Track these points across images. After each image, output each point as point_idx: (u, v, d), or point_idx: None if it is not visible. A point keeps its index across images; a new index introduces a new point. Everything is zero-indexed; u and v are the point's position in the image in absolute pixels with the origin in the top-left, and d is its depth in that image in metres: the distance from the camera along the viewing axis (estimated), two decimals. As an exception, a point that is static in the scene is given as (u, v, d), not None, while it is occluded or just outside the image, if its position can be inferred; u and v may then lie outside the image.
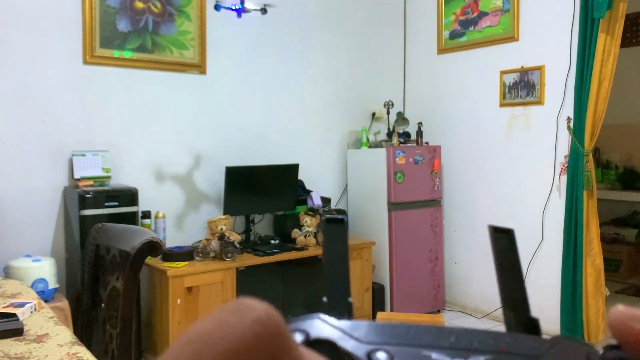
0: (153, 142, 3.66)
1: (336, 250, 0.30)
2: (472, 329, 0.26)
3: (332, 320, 0.26)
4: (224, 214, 3.68)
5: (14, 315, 1.63)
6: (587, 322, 3.62)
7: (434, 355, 0.25)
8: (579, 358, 0.24)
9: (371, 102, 4.78)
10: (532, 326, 0.29)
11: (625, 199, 5.33)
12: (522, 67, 4.03)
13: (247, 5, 3.22)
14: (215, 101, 3.93)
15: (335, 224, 0.31)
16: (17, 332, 1.53)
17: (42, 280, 2.88)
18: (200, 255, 3.43)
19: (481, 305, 4.36)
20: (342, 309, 0.28)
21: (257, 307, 0.22)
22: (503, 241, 0.31)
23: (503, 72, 4.16)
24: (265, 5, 3.23)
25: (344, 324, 0.26)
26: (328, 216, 0.31)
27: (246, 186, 3.83)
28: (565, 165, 3.77)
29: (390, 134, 4.46)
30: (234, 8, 3.23)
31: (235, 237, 3.53)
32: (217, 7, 3.34)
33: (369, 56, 4.77)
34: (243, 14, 3.31)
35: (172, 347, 0.21)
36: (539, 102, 3.94)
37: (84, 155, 3.30)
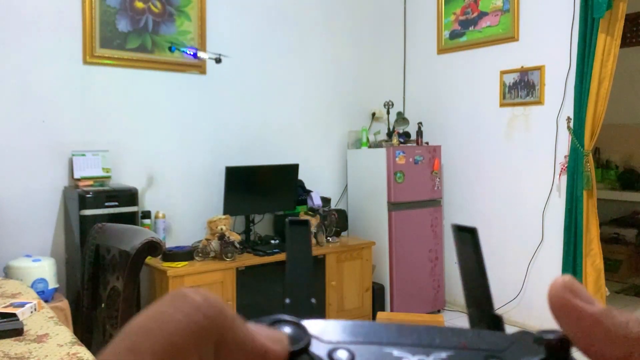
0: (153, 142, 3.66)
1: (298, 252, 0.30)
2: (435, 326, 0.26)
3: (293, 320, 0.26)
4: (224, 214, 3.68)
5: (14, 315, 1.63)
6: (587, 322, 3.62)
7: (395, 352, 0.24)
8: (538, 352, 0.24)
9: (371, 102, 4.78)
10: (495, 323, 0.29)
11: (625, 199, 5.33)
12: (522, 67, 4.03)
13: (200, 54, 3.29)
14: (215, 101, 3.92)
15: (297, 226, 0.31)
16: (17, 332, 1.53)
17: (42, 280, 2.88)
18: (200, 255, 3.43)
19: (481, 305, 4.36)
20: (304, 310, 0.28)
21: (193, 296, 0.22)
22: (467, 240, 0.31)
23: (503, 72, 4.15)
24: (220, 55, 3.27)
25: (305, 323, 0.26)
26: (291, 218, 0.32)
27: (246, 186, 3.82)
28: (565, 165, 3.77)
29: (390, 134, 4.46)
30: (189, 53, 3.29)
31: (235, 237, 3.53)
32: (171, 49, 3.39)
33: (369, 56, 4.77)
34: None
35: (111, 342, 0.21)
36: (539, 102, 3.94)
37: (84, 155, 3.30)
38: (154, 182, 3.67)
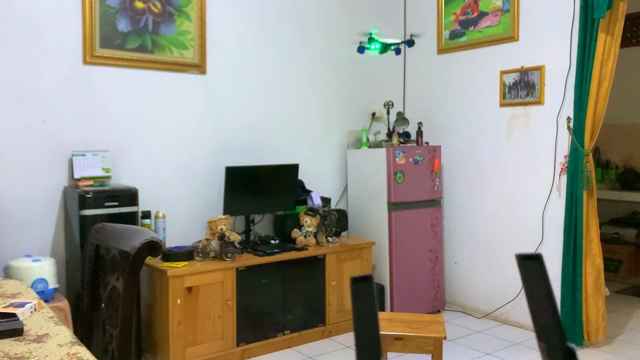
0: (153, 142, 3.66)
1: (365, 314, 0.29)
2: None
3: None
4: (224, 214, 3.68)
5: (14, 315, 1.63)
6: (587, 322, 3.62)
7: None
8: None
9: (371, 102, 4.78)
10: (569, 357, 0.27)
11: (625, 199, 5.33)
12: (522, 67, 4.03)
13: (393, 40, 3.38)
14: (215, 101, 3.93)
15: (361, 283, 0.29)
16: (17, 332, 1.53)
17: (42, 280, 2.88)
18: (200, 255, 3.43)
19: (481, 305, 4.36)
20: None
21: None
22: (532, 268, 0.30)
23: (503, 72, 4.15)
24: (412, 35, 3.33)
25: None
26: (355, 277, 0.30)
27: (246, 186, 3.82)
28: (565, 165, 3.76)
29: (390, 134, 4.46)
30: (374, 47, 3.41)
31: (235, 237, 3.53)
32: (360, 50, 3.47)
33: (369, 56, 4.77)
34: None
35: None
36: (539, 102, 3.94)
37: (84, 155, 3.30)
38: (154, 182, 3.67)
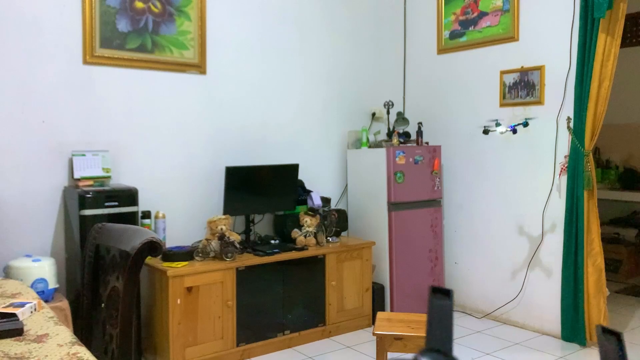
0: (153, 142, 3.66)
1: (439, 333, 0.28)
2: None
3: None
4: (224, 214, 3.68)
5: (14, 315, 1.63)
6: (589, 322, 3.62)
7: None
8: None
9: (371, 102, 4.78)
10: None
11: (625, 199, 5.33)
12: (522, 67, 4.03)
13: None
14: (215, 101, 3.93)
15: (440, 295, 0.28)
16: (17, 332, 1.53)
17: (42, 280, 2.88)
18: (200, 255, 3.43)
19: (481, 305, 4.36)
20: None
21: None
22: (610, 344, 0.28)
23: (503, 72, 4.15)
24: (527, 119, 3.57)
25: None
26: (434, 286, 0.29)
27: (246, 186, 3.82)
28: (566, 165, 3.76)
29: (390, 134, 4.46)
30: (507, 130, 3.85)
31: (235, 237, 3.53)
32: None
33: (369, 56, 4.77)
34: None
35: None
36: (539, 102, 3.93)
37: (84, 155, 3.30)
38: (154, 182, 3.67)
